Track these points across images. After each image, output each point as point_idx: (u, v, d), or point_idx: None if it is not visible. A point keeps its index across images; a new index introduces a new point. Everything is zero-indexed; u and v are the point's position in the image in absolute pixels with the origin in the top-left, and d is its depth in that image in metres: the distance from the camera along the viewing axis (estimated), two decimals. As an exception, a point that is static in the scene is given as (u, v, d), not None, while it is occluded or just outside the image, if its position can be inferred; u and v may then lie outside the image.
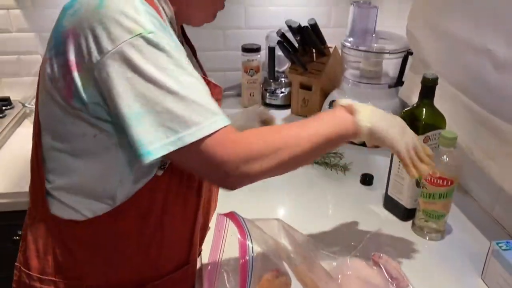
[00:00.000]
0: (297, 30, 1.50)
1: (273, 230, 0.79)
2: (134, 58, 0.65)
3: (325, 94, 1.57)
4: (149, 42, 0.66)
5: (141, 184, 0.77)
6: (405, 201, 1.07)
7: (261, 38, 1.79)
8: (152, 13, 0.69)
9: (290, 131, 0.77)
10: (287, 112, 1.72)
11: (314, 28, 1.50)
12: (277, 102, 1.75)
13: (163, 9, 0.78)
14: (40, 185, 0.79)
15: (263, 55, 1.75)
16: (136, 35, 0.65)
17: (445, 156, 0.95)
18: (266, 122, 1.14)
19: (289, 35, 1.58)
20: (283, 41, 1.53)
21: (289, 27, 1.52)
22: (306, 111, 1.66)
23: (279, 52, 1.62)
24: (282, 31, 1.55)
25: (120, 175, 0.76)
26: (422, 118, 0.99)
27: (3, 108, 1.61)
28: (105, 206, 0.77)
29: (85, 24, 0.67)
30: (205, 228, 0.99)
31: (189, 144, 0.66)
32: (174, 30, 0.80)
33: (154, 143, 0.66)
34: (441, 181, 0.96)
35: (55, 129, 0.75)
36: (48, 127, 0.76)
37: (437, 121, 1.01)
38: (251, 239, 0.72)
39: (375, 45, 1.43)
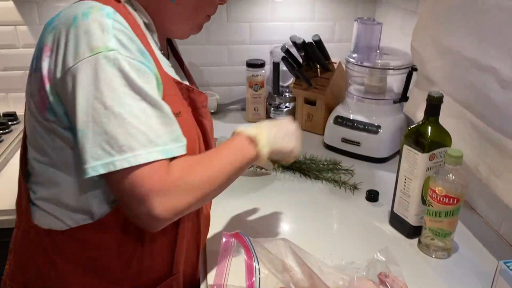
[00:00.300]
0: (302, 46, 1.51)
1: (279, 250, 0.79)
2: (89, 76, 0.68)
3: (329, 109, 1.58)
4: (108, 60, 0.68)
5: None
6: (411, 219, 1.07)
7: (265, 53, 1.80)
8: (121, 27, 0.71)
9: (207, 170, 0.77)
10: (292, 126, 1.72)
11: (318, 44, 1.51)
12: (281, 116, 1.76)
13: (142, 19, 0.81)
14: (24, 195, 0.82)
15: (267, 70, 1.76)
16: (96, 53, 0.68)
17: (451, 175, 0.95)
18: None
19: (293, 50, 1.59)
20: (288, 56, 1.54)
21: (294, 43, 1.53)
22: (311, 125, 1.66)
23: (283, 67, 1.63)
24: (286, 46, 1.55)
25: (95, 189, 0.77)
26: (427, 136, 0.99)
27: (9, 123, 1.62)
28: (85, 217, 0.79)
29: (59, 41, 0.70)
30: (199, 233, 0.96)
31: (119, 170, 0.67)
32: (155, 41, 0.83)
33: (91, 162, 0.68)
34: (447, 199, 0.96)
35: (37, 142, 0.79)
36: (31, 140, 0.80)
37: (442, 138, 1.01)
38: (257, 260, 0.71)
39: (379, 61, 1.43)
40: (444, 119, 1.01)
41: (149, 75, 0.73)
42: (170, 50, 0.99)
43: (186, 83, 0.89)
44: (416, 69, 1.37)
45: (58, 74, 0.70)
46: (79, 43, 0.68)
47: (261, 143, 0.84)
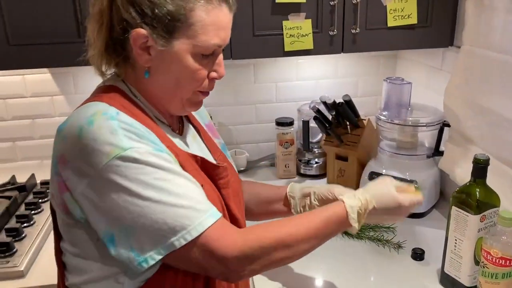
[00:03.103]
0: (332, 106, 1.56)
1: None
2: (115, 179, 0.72)
3: (361, 165, 1.60)
4: (127, 159, 0.72)
5: (147, 277, 0.80)
6: (464, 279, 1.07)
7: (291, 111, 1.85)
8: (127, 126, 0.75)
9: (291, 230, 0.84)
10: (323, 181, 1.74)
11: (348, 103, 1.55)
12: (312, 172, 1.79)
13: (142, 102, 0.86)
14: (61, 279, 0.88)
15: (295, 126, 1.80)
16: (113, 157, 0.71)
17: (505, 236, 0.96)
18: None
19: (322, 107, 1.63)
20: (319, 116, 1.58)
21: (324, 103, 1.57)
22: (343, 181, 1.68)
23: (311, 124, 1.67)
24: (316, 106, 1.60)
25: (122, 276, 0.80)
26: (476, 198, 1.01)
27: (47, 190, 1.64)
28: None
29: (70, 154, 0.75)
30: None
31: (181, 248, 0.72)
32: (161, 121, 0.88)
33: (148, 251, 0.72)
34: (503, 261, 0.96)
35: (66, 235, 0.83)
36: (62, 233, 0.84)
37: (491, 199, 1.03)
38: None
39: (410, 118, 1.47)
40: (489, 178, 1.03)
41: (166, 156, 0.77)
42: (187, 120, 1.01)
43: (201, 155, 0.91)
44: (448, 125, 1.40)
45: (79, 188, 0.74)
46: (92, 153, 0.72)
47: (360, 220, 0.92)
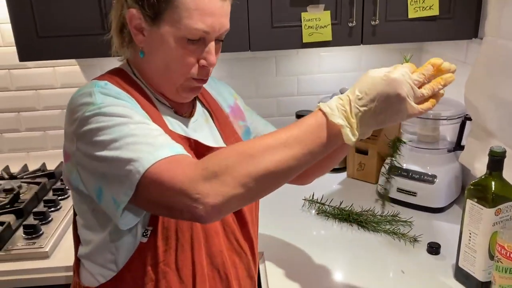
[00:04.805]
0: (352, 98, 1.55)
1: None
2: (86, 132, 0.77)
3: (381, 158, 1.59)
4: (97, 113, 0.76)
5: (131, 252, 0.85)
6: (479, 274, 1.05)
7: (312, 104, 1.85)
8: (106, 91, 0.80)
9: (256, 142, 0.72)
10: (343, 175, 1.74)
11: (368, 96, 1.54)
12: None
13: (143, 83, 0.91)
14: (75, 253, 0.95)
15: (316, 120, 1.80)
16: (84, 112, 0.77)
17: (520, 230, 0.94)
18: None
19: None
20: (338, 108, 1.58)
21: (344, 95, 1.57)
22: (363, 175, 1.67)
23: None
24: (336, 99, 1.60)
25: (116, 242, 0.85)
26: (492, 191, 0.99)
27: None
28: (111, 272, 0.87)
29: (65, 123, 0.83)
30: (228, 280, 0.94)
31: (138, 182, 0.71)
32: (160, 101, 0.92)
33: (119, 195, 0.74)
34: (517, 255, 0.94)
35: (76, 207, 0.91)
36: (74, 206, 0.92)
37: (507, 192, 1.00)
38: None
39: (431, 111, 1.44)
40: (506, 171, 1.01)
41: (132, 105, 0.81)
42: (201, 103, 1.03)
43: (202, 138, 0.93)
44: (470, 119, 1.37)
45: (71, 150, 0.80)
46: (73, 113, 0.79)
47: (348, 118, 0.73)
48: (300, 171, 0.73)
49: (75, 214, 0.93)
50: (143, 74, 0.91)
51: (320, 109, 0.74)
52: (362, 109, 0.73)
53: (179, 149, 0.75)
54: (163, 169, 0.70)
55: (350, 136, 0.73)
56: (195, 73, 0.88)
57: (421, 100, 0.75)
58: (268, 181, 0.71)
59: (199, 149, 0.90)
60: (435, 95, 0.77)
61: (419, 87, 0.75)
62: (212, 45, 0.86)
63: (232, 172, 0.68)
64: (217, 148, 0.91)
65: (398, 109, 0.73)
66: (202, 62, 0.87)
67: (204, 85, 1.05)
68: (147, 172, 0.70)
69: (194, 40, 0.84)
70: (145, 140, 0.74)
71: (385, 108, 0.73)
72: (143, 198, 0.73)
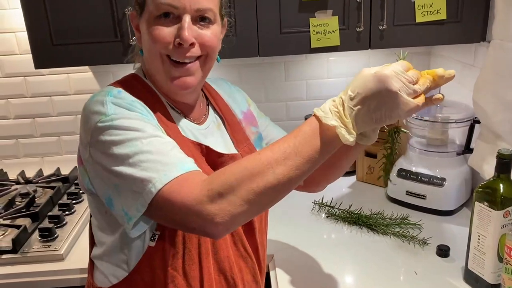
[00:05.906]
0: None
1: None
2: (101, 141, 0.78)
3: (391, 162, 1.60)
4: (110, 125, 0.78)
5: (141, 254, 0.87)
6: (488, 276, 1.05)
7: (322, 108, 1.86)
8: (119, 101, 0.82)
9: (256, 158, 0.73)
10: (353, 178, 1.75)
11: (377, 100, 1.55)
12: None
13: (154, 88, 0.92)
14: (89, 255, 0.98)
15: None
16: (97, 122, 0.79)
17: (529, 232, 0.94)
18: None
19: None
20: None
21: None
22: (372, 178, 1.68)
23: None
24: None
25: (128, 244, 0.87)
26: (500, 193, 1.00)
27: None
28: (123, 272, 0.89)
29: (79, 129, 0.85)
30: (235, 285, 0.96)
31: (151, 201, 0.74)
32: (172, 107, 0.93)
33: (131, 209, 0.76)
34: (526, 257, 0.95)
35: (90, 208, 0.94)
36: (90, 208, 0.94)
37: (516, 195, 1.01)
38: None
39: (440, 114, 1.46)
40: (515, 175, 1.01)
41: (147, 119, 0.83)
42: (214, 110, 1.04)
43: (213, 144, 0.94)
44: (478, 122, 1.38)
45: (85, 156, 0.83)
46: (87, 121, 0.81)
47: (342, 118, 0.73)
48: (304, 178, 0.75)
49: (91, 215, 0.96)
50: (148, 75, 0.94)
51: (314, 114, 0.76)
52: (355, 108, 0.73)
53: (189, 165, 0.78)
54: (174, 190, 0.73)
55: (346, 136, 0.73)
56: (170, 50, 0.85)
57: (417, 96, 0.74)
58: (272, 194, 0.73)
59: (210, 155, 0.93)
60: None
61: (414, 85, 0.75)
62: (185, 21, 0.83)
63: (236, 191, 0.71)
64: (228, 155, 0.94)
65: (392, 105, 0.72)
66: (177, 40, 0.84)
67: (217, 89, 1.08)
68: (159, 192, 0.74)
69: (160, 15, 0.84)
70: (158, 158, 0.76)
71: (379, 105, 0.72)
72: (155, 214, 0.78)
